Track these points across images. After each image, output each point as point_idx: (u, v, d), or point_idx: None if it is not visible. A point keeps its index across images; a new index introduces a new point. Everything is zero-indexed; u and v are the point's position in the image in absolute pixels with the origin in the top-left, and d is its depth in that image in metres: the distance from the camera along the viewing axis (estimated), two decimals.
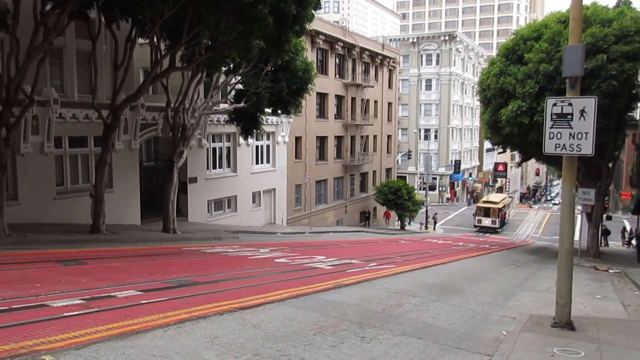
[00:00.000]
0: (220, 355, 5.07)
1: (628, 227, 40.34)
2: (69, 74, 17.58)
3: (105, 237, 14.85)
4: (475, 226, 45.34)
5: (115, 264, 11.00)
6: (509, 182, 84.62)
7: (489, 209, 44.90)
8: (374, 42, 46.01)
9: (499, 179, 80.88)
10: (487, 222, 44.18)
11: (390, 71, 48.72)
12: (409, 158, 64.65)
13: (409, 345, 6.12)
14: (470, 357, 5.91)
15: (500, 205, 45.76)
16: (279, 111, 23.81)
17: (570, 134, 6.90)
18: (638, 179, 31.47)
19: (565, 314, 7.12)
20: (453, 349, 6.17)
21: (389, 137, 49.59)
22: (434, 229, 45.36)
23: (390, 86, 49.01)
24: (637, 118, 30.11)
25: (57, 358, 4.55)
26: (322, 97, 36.66)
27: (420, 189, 56.96)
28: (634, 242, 30.44)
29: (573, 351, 6.06)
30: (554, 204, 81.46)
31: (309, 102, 32.42)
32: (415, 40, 67.35)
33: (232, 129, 25.14)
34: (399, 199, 38.95)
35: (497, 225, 44.16)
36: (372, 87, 43.44)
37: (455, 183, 68.35)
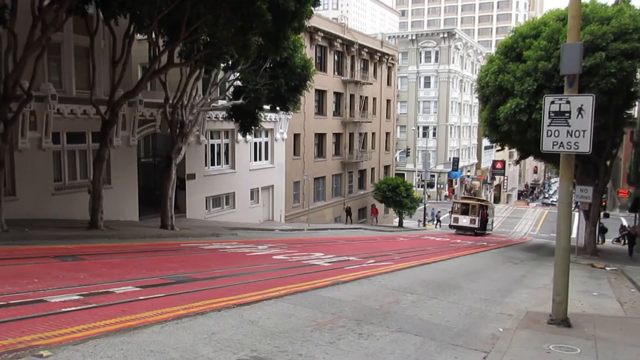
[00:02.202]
0: (218, 351, 5.08)
1: (624, 224, 40.54)
2: (67, 69, 17.53)
3: (103, 233, 14.85)
4: (450, 226, 38.67)
5: (113, 260, 11.00)
6: (507, 179, 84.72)
7: (467, 205, 37.68)
8: (373, 39, 45.93)
9: (497, 177, 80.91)
10: (464, 221, 36.95)
11: (389, 68, 48.67)
12: (408, 155, 64.67)
13: (406, 342, 6.14)
14: (467, 354, 5.93)
15: (481, 203, 38.95)
16: (278, 108, 23.78)
17: (568, 131, 6.92)
18: (635, 177, 31.53)
19: (562, 311, 7.15)
20: (450, 345, 6.20)
21: (387, 134, 49.58)
22: (439, 226, 44.93)
23: (389, 83, 48.98)
24: (635, 116, 30.15)
25: (54, 353, 4.56)
26: (320, 94, 36.62)
27: (418, 187, 57.01)
28: (632, 240, 30.52)
29: (569, 348, 6.09)
30: (552, 202, 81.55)
31: (308, 99, 32.39)
32: (414, 37, 67.31)
33: (230, 125, 25.10)
34: (397, 196, 38.99)
35: (476, 226, 36.43)
36: (371, 84, 43.40)
37: (454, 180, 68.42)
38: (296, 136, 33.57)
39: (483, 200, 41.56)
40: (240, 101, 21.18)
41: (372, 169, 46.21)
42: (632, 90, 22.23)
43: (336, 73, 38.50)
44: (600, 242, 30.03)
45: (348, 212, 40.08)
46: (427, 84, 66.53)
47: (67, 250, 11.39)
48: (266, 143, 29.87)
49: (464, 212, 37.26)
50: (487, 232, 38.65)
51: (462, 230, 36.62)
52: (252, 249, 14.58)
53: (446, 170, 65.29)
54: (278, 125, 30.05)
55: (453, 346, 6.17)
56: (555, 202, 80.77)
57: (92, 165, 16.43)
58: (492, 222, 43.77)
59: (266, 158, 30.03)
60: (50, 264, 9.55)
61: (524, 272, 16.06)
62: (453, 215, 38.10)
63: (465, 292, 10.26)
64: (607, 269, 18.12)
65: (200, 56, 17.47)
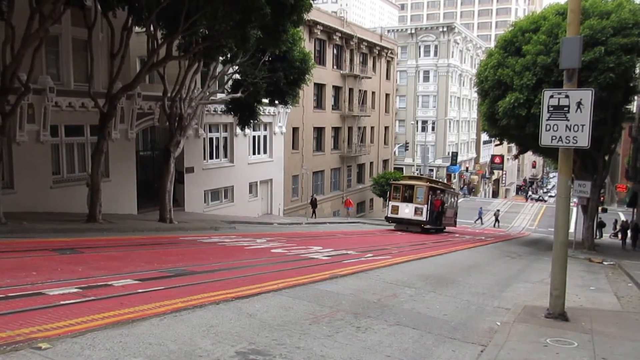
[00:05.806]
0: (216, 344, 5.09)
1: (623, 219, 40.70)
2: (65, 62, 17.47)
3: (101, 226, 14.84)
4: (387, 218, 27.95)
5: (111, 253, 10.99)
6: (505, 174, 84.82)
7: (412, 188, 26.68)
8: (372, 33, 45.82)
9: (495, 171, 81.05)
10: (406, 211, 26.22)
11: (388, 62, 48.57)
12: (406, 150, 64.57)
13: (403, 335, 6.16)
14: (464, 347, 5.95)
15: (432, 185, 28.01)
16: (276, 101, 23.74)
17: (566, 126, 6.91)
18: (634, 172, 31.60)
19: (559, 305, 7.17)
20: (447, 339, 6.22)
21: (386, 128, 49.57)
22: (480, 223, 44.05)
23: (388, 77, 48.90)
24: (634, 111, 30.19)
25: (53, 345, 4.56)
26: (319, 87, 36.56)
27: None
28: (624, 234, 30.75)
29: (566, 342, 6.11)
30: (550, 196, 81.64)
31: (307, 92, 32.35)
32: (413, 31, 67.03)
33: (229, 119, 25.06)
34: None
35: (423, 218, 26.03)
36: (370, 78, 43.33)
37: (452, 175, 68.40)
38: (295, 130, 33.54)
39: (436, 182, 31.30)
40: (239, 94, 21.13)
41: (371, 163, 46.23)
42: (631, 85, 22.23)
43: (335, 67, 38.42)
44: (597, 237, 30.12)
45: (313, 204, 33.65)
46: (426, 78, 66.31)
47: (66, 243, 11.38)
48: (265, 137, 29.84)
49: (407, 198, 26.60)
50: (443, 226, 29.29)
51: (403, 224, 26.78)
52: (251, 243, 14.59)
53: (445, 164, 65.24)
54: (277, 118, 30.01)
55: (450, 339, 6.19)
56: (536, 197, 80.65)
57: (91, 158, 16.42)
58: (456, 214, 33.52)
59: (265, 152, 30.00)
60: (48, 257, 9.55)
61: (521, 266, 16.11)
62: (391, 203, 27.41)
63: (462, 286, 10.29)
64: (605, 263, 18.17)
65: (198, 49, 17.39)
